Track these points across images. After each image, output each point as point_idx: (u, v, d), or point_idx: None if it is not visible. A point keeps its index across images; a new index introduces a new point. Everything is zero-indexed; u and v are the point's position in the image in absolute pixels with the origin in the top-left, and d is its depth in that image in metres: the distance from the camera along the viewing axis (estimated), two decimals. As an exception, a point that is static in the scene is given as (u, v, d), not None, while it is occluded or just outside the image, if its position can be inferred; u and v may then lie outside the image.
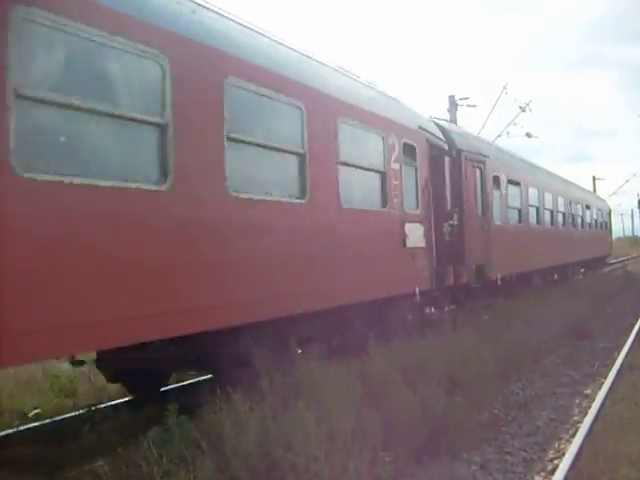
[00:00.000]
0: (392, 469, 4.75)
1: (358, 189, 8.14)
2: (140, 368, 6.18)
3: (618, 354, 9.83)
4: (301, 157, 6.79)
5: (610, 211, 34.46)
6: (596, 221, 28.15)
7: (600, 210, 30.02)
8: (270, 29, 7.07)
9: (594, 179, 58.48)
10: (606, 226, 32.23)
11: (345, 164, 7.65)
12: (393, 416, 5.22)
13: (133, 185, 4.71)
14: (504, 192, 14.33)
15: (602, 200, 34.98)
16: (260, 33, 6.80)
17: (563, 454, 5.57)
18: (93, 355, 6.21)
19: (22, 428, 6.38)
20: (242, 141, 5.90)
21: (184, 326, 5.06)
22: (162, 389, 7.48)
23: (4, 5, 3.87)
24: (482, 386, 6.80)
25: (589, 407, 6.99)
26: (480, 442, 5.95)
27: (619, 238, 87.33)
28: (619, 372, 8.60)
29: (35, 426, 6.47)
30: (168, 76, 5.03)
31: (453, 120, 25.39)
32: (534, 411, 7.13)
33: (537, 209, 17.54)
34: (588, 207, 25.90)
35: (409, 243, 9.02)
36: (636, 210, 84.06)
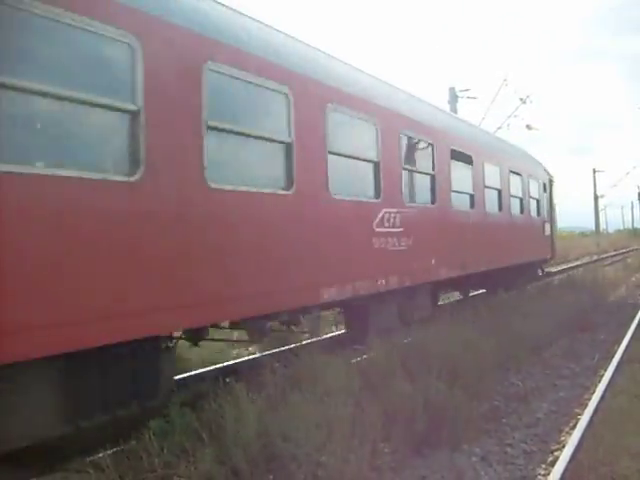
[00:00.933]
0: (392, 460, 4.77)
1: None
2: None
3: (618, 347, 9.83)
4: None
5: (551, 182, 19.17)
6: (500, 193, 13.50)
7: (527, 176, 15.86)
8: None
9: (594, 171, 58.55)
10: (538, 208, 17.16)
11: None
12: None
13: None
14: None
15: (533, 160, 18.00)
16: None
17: (563, 446, 5.59)
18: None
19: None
20: None
21: None
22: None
23: None
24: (481, 378, 6.81)
25: (589, 399, 7.00)
26: (480, 434, 5.97)
27: (619, 230, 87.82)
28: (619, 365, 8.62)
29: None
30: None
31: (454, 111, 25.12)
32: (534, 403, 7.13)
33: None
34: (469, 162, 11.80)
35: None
36: (636, 202, 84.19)
